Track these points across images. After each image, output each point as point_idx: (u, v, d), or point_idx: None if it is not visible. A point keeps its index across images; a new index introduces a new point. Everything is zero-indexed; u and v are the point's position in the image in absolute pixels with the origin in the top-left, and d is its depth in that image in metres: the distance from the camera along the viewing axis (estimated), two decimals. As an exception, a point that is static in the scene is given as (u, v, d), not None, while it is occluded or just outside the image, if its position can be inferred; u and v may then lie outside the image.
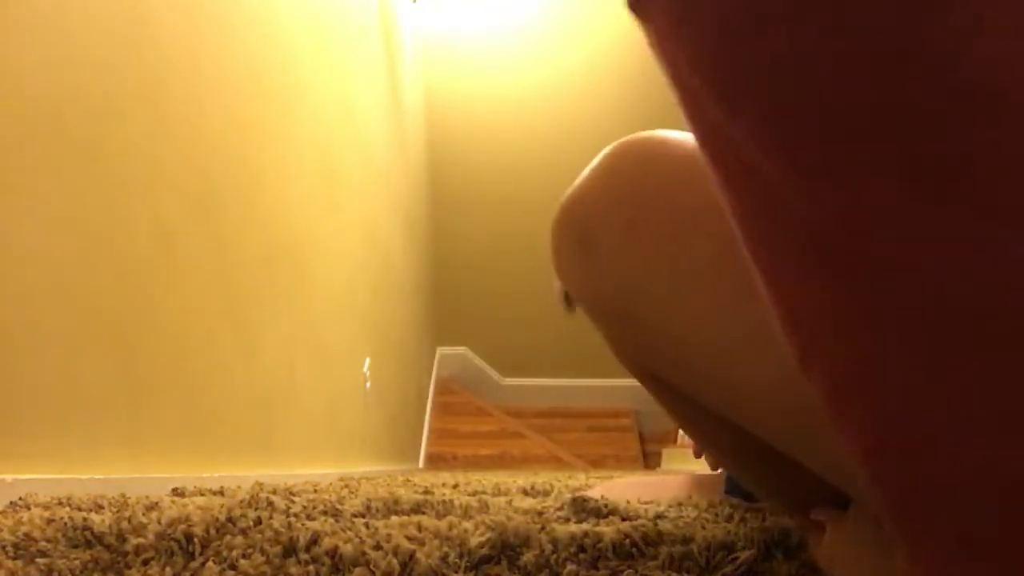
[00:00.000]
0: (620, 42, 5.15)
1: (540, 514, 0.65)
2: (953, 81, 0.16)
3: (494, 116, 5.23)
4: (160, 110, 1.15)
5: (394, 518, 0.63)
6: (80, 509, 0.70)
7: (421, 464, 4.38)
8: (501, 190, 5.27)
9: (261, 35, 1.62)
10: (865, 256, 0.18)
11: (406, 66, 4.02)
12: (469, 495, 0.89)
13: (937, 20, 0.16)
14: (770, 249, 0.21)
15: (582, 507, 0.67)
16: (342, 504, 0.72)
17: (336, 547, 0.50)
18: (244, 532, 0.56)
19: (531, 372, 5.43)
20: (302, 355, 1.91)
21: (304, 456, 1.91)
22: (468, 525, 0.55)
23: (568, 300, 0.52)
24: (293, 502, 0.73)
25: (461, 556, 0.49)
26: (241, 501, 0.70)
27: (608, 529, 0.52)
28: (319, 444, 2.08)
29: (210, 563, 0.49)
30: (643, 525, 0.53)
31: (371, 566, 0.48)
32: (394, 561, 0.47)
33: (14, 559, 0.51)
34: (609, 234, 0.44)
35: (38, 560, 0.51)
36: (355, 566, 0.48)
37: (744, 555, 0.48)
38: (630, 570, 0.47)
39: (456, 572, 0.48)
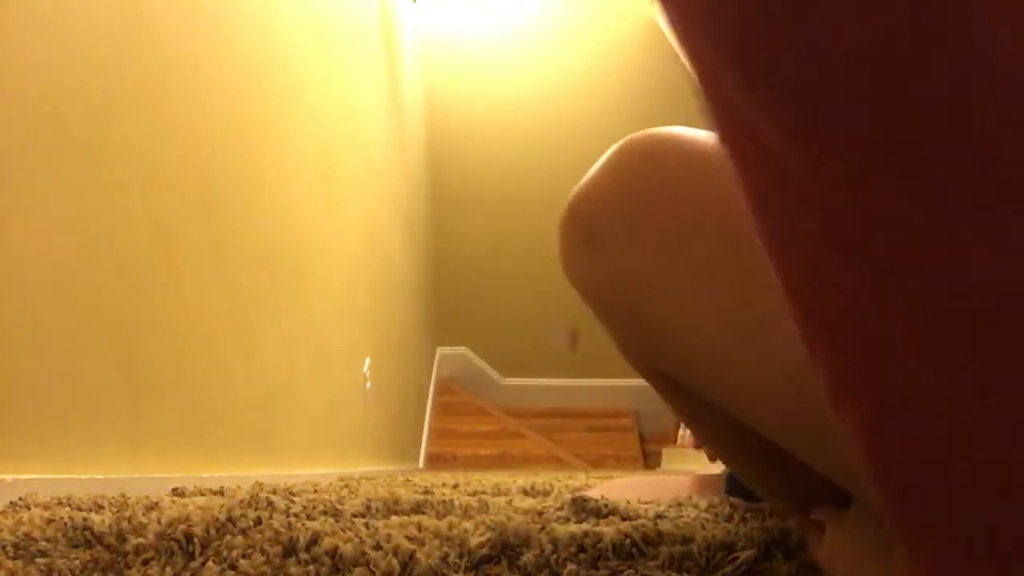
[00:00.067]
0: (620, 42, 5.15)
1: (540, 514, 0.65)
2: (982, 67, 0.16)
3: (494, 116, 5.23)
4: (160, 110, 1.15)
5: (394, 518, 0.63)
6: (80, 509, 0.70)
7: (421, 464, 4.39)
8: (501, 190, 5.27)
9: (261, 35, 1.62)
10: (878, 247, 0.18)
11: (406, 66, 4.02)
12: (469, 495, 0.89)
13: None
14: (782, 235, 0.21)
15: (582, 507, 0.67)
16: (342, 504, 0.72)
17: (336, 547, 0.50)
18: (244, 532, 0.56)
19: (531, 372, 5.42)
20: (302, 355, 1.91)
21: (304, 456, 1.91)
22: (468, 525, 0.55)
23: (573, 340, 0.52)
24: (293, 502, 0.73)
25: (461, 556, 0.49)
26: (241, 501, 0.70)
27: (608, 529, 0.52)
28: (319, 444, 2.08)
29: (210, 563, 0.49)
30: (643, 525, 0.53)
31: (371, 566, 0.48)
32: (394, 561, 0.47)
33: (14, 559, 0.51)
34: (615, 232, 0.44)
35: (38, 560, 0.51)
36: (355, 566, 0.48)
37: (744, 555, 0.48)
38: (630, 570, 0.47)
39: (456, 572, 0.48)
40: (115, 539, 0.55)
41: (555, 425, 5.05)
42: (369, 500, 0.73)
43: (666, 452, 4.23)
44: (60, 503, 0.76)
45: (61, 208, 0.91)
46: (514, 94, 5.20)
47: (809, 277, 0.20)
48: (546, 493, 1.02)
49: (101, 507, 0.73)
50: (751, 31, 0.18)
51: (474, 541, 0.50)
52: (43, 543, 0.54)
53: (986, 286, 0.17)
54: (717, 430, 0.51)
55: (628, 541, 0.50)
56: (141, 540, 0.53)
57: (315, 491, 0.99)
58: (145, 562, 0.51)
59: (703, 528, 0.55)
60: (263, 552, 0.51)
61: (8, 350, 0.81)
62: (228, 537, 0.54)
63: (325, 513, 0.68)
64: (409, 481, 1.47)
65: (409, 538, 0.52)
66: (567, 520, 0.63)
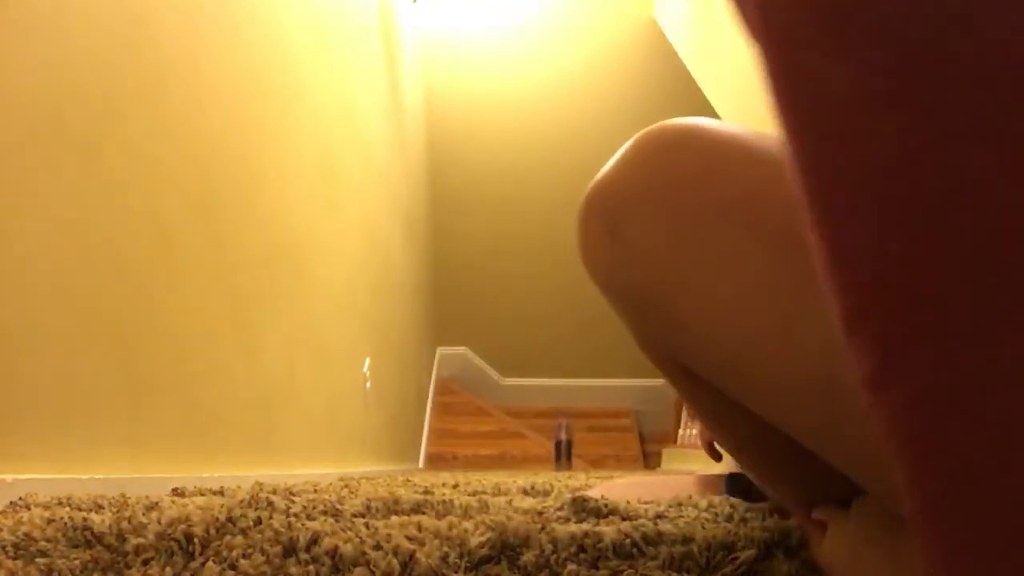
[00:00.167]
0: (620, 42, 5.15)
1: (540, 514, 0.65)
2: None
3: (494, 116, 5.23)
4: (160, 110, 1.15)
5: (394, 518, 0.63)
6: (80, 509, 0.70)
7: (421, 464, 4.39)
8: (501, 190, 5.27)
9: (261, 35, 1.62)
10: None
11: (406, 66, 4.02)
12: (469, 495, 0.89)
13: None
14: (839, 199, 0.20)
15: (582, 507, 0.67)
16: (342, 504, 0.72)
17: (336, 547, 0.50)
18: (244, 532, 0.56)
19: (531, 372, 5.43)
20: (302, 355, 1.91)
21: (304, 456, 1.91)
22: (468, 525, 0.55)
23: (568, 451, 0.52)
24: (293, 502, 0.73)
25: (461, 556, 0.49)
26: (241, 501, 0.70)
27: (608, 529, 0.52)
28: (319, 444, 2.08)
29: (210, 563, 0.49)
30: (643, 525, 0.53)
31: (371, 566, 0.48)
32: (394, 561, 0.47)
33: (14, 559, 0.51)
34: (638, 220, 0.44)
35: (38, 560, 0.51)
36: (355, 566, 0.48)
37: (744, 555, 0.48)
38: (630, 570, 0.47)
39: (456, 572, 0.48)
40: (115, 539, 0.55)
41: (555, 425, 5.05)
42: (369, 500, 0.73)
43: (666, 452, 4.23)
44: (60, 503, 0.76)
45: (61, 208, 0.91)
46: (514, 94, 5.20)
47: (865, 248, 0.20)
48: (546, 493, 1.02)
49: (101, 507, 0.73)
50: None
51: (474, 541, 0.50)
52: (43, 543, 0.54)
53: None
54: (732, 423, 0.51)
55: (628, 541, 0.50)
56: (141, 540, 0.53)
57: (315, 491, 0.99)
58: (145, 562, 0.51)
59: (703, 528, 0.55)
60: (263, 552, 0.51)
61: (8, 350, 0.81)
62: (228, 537, 0.54)
63: (325, 513, 0.68)
64: (409, 481, 1.47)
65: (409, 538, 0.52)
66: (567, 520, 0.63)
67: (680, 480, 1.21)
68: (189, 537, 0.53)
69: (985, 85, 0.17)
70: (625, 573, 0.47)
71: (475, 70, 5.20)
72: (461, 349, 5.48)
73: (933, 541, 0.19)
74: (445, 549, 0.49)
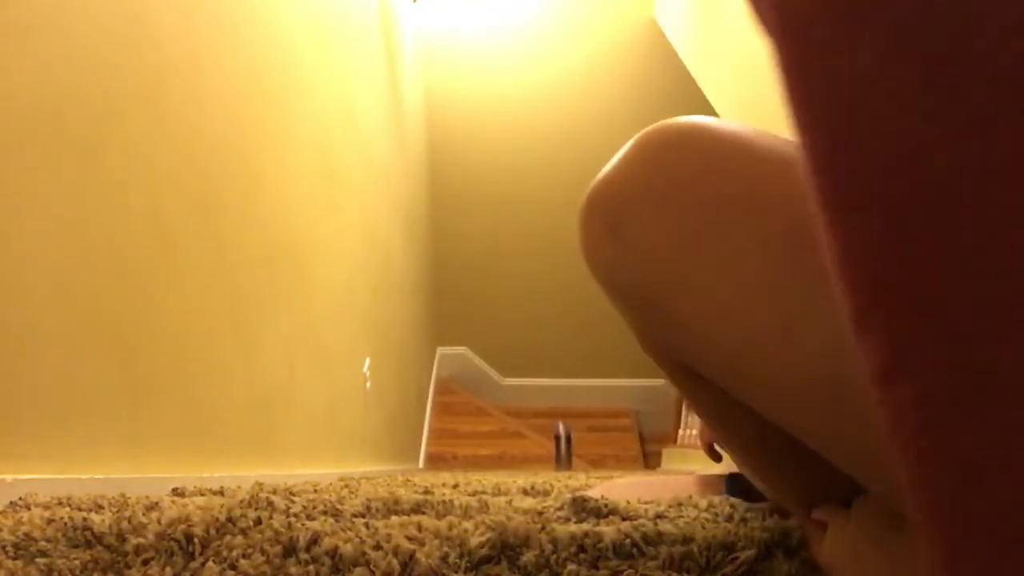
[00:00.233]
0: (620, 42, 5.16)
1: (540, 514, 0.65)
2: None
3: (494, 116, 5.23)
4: (160, 110, 1.15)
5: (394, 518, 0.63)
6: (80, 509, 0.70)
7: (421, 464, 4.39)
8: (501, 190, 5.27)
9: (261, 35, 1.62)
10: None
11: (406, 66, 4.02)
12: (469, 495, 0.89)
13: None
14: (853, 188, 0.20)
15: (582, 507, 0.67)
16: (342, 504, 0.72)
17: (336, 547, 0.50)
18: (244, 532, 0.56)
19: (531, 372, 5.43)
20: (302, 355, 1.91)
21: (304, 456, 1.91)
22: (468, 525, 0.55)
23: (567, 446, 0.52)
24: (293, 502, 0.73)
25: (461, 556, 0.49)
26: (241, 501, 0.70)
27: (608, 529, 0.52)
28: (319, 444, 2.08)
29: (210, 563, 0.49)
30: (643, 525, 0.53)
31: (371, 566, 0.48)
32: (394, 561, 0.47)
33: (14, 559, 0.51)
34: (639, 220, 0.44)
35: (38, 560, 0.51)
36: (355, 566, 0.48)
37: (744, 555, 0.48)
38: (630, 570, 0.47)
39: (456, 572, 0.48)
40: (115, 539, 0.55)
41: (554, 425, 5.05)
42: (369, 500, 0.73)
43: (666, 452, 4.23)
44: (60, 503, 0.76)
45: (61, 208, 0.91)
46: (514, 94, 5.20)
47: (877, 237, 0.20)
48: (546, 493, 1.02)
49: (101, 507, 0.73)
50: None
51: (474, 541, 0.50)
52: (43, 543, 0.54)
53: None
54: (733, 423, 0.51)
55: (628, 541, 0.50)
56: (141, 540, 0.53)
57: (315, 491, 0.99)
58: (145, 562, 0.51)
59: (703, 528, 0.55)
60: (263, 552, 0.51)
61: (8, 350, 0.81)
62: (228, 537, 0.54)
63: (325, 513, 0.68)
64: (409, 481, 1.47)
65: (409, 538, 0.52)
66: (567, 520, 0.63)
67: (680, 480, 1.21)
68: (189, 537, 0.53)
69: (1000, 84, 0.17)
70: (625, 573, 0.47)
71: (475, 70, 5.20)
72: (461, 349, 5.49)
73: (935, 539, 0.19)
74: (445, 549, 0.49)
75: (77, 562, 0.51)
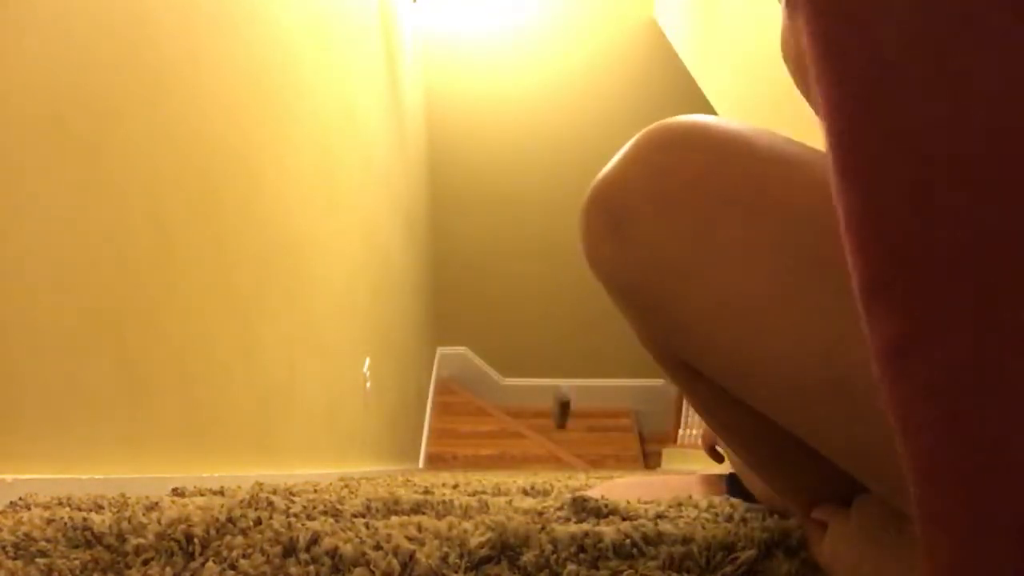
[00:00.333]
0: (620, 42, 5.15)
1: (540, 514, 0.65)
2: None
3: (494, 116, 5.23)
4: (160, 110, 1.15)
5: (394, 518, 0.63)
6: (80, 509, 0.70)
7: (421, 464, 4.39)
8: (501, 190, 5.27)
9: (261, 35, 1.62)
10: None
11: (406, 66, 4.02)
12: (469, 495, 0.89)
13: None
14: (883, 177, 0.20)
15: (582, 507, 0.67)
16: (342, 504, 0.72)
17: (336, 547, 0.50)
18: (244, 532, 0.56)
19: (531, 372, 5.43)
20: (302, 355, 1.91)
21: (304, 456, 1.91)
22: (468, 525, 0.55)
23: (564, 411, 0.52)
24: (293, 502, 0.73)
25: (461, 556, 0.49)
26: (241, 501, 0.70)
27: (608, 529, 0.52)
28: (319, 444, 2.08)
29: (210, 563, 0.49)
30: (643, 525, 0.53)
31: (371, 566, 0.48)
32: (394, 561, 0.47)
33: (14, 559, 0.51)
34: (640, 219, 0.44)
35: (38, 560, 0.51)
36: (355, 566, 0.48)
37: (744, 555, 0.48)
38: (630, 570, 0.47)
39: (456, 572, 0.48)
40: (115, 539, 0.55)
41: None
42: (369, 500, 0.73)
43: (666, 452, 4.23)
44: (60, 503, 0.76)
45: (61, 208, 0.91)
46: (514, 94, 5.20)
47: (898, 204, 0.19)
48: (546, 493, 1.02)
49: (101, 507, 0.73)
50: None
51: (474, 541, 0.50)
52: (43, 543, 0.54)
53: None
54: (734, 422, 0.51)
55: (628, 541, 0.50)
56: (141, 540, 0.53)
57: (315, 491, 0.99)
58: (145, 562, 0.51)
59: (703, 528, 0.55)
60: (263, 552, 0.51)
61: (8, 350, 0.81)
62: (228, 537, 0.54)
63: (325, 513, 0.68)
64: (409, 481, 1.47)
65: (409, 538, 0.52)
66: (567, 520, 0.63)
67: (681, 480, 1.21)
68: (189, 537, 0.53)
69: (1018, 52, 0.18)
70: (625, 573, 0.47)
71: (475, 70, 5.20)
72: (461, 349, 5.49)
73: (936, 537, 0.19)
74: (445, 549, 0.49)
75: (77, 562, 0.51)
